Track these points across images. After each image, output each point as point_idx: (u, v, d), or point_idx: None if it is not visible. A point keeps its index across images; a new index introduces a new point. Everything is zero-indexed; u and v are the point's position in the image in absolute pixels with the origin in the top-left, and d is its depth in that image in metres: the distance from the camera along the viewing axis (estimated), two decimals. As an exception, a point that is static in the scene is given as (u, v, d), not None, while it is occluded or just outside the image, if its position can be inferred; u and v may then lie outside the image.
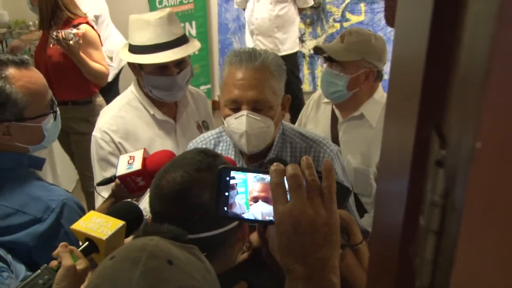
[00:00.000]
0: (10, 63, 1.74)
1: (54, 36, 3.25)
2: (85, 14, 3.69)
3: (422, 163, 0.50)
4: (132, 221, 1.49)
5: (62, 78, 3.54)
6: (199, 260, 0.97)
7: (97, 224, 1.42)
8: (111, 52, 4.27)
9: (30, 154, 1.90)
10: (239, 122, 1.78)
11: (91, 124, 3.47)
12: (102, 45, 3.70)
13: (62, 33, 3.22)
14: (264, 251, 1.60)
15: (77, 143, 3.68)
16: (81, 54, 3.38)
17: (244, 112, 1.77)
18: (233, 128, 1.80)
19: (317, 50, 2.56)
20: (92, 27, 3.60)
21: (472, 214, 0.37)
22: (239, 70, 1.77)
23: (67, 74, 3.52)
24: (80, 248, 1.39)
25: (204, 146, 2.04)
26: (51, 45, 3.45)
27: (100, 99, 3.76)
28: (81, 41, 3.32)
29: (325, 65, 2.55)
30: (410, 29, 0.55)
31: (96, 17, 4.17)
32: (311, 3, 5.10)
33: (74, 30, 3.27)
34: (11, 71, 1.73)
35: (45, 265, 1.35)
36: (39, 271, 1.34)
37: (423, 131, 0.49)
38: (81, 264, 1.32)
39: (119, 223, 1.43)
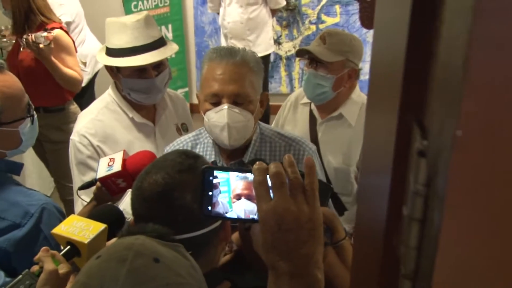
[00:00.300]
0: None
1: (24, 39, 3.18)
2: (59, 19, 3.62)
3: (404, 155, 0.51)
4: (114, 223, 1.49)
5: (33, 84, 3.41)
6: (184, 258, 0.98)
7: (78, 228, 1.41)
8: (84, 57, 4.20)
9: (7, 159, 1.88)
10: (220, 115, 1.79)
11: (64, 132, 3.42)
12: (76, 51, 3.63)
13: (32, 36, 3.15)
14: (245, 250, 1.61)
15: (51, 151, 3.60)
16: (53, 59, 3.29)
17: (225, 105, 1.78)
18: (214, 121, 1.81)
19: (301, 52, 2.56)
20: (67, 32, 3.53)
21: (454, 201, 0.39)
22: (219, 65, 1.79)
23: (39, 80, 3.43)
24: (62, 252, 1.38)
25: (181, 149, 2.04)
26: (21, 49, 3.37)
27: (74, 107, 3.67)
28: (52, 45, 3.24)
29: (306, 68, 2.56)
30: (390, 24, 0.56)
31: (68, 24, 4.10)
32: (283, 3, 5.07)
33: (45, 34, 3.20)
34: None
35: (27, 270, 1.33)
36: (20, 276, 1.32)
37: (404, 124, 0.50)
38: (63, 268, 1.31)
39: (101, 226, 1.42)
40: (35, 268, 1.34)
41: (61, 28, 3.47)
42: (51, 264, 1.31)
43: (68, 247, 1.40)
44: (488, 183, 0.38)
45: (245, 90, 1.79)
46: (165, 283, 0.87)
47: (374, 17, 0.63)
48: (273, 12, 5.13)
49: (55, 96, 3.51)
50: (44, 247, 1.37)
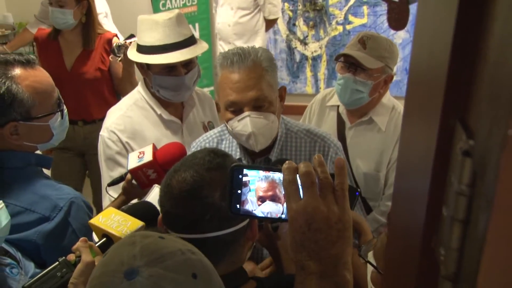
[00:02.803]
0: (17, 63, 1.75)
1: (117, 44, 3.12)
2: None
3: (446, 155, 0.50)
4: (150, 222, 1.49)
5: (97, 95, 3.49)
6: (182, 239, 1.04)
7: (116, 222, 1.42)
8: None
9: (38, 153, 1.90)
10: (243, 124, 1.78)
11: None
12: None
13: (127, 42, 3.07)
14: (271, 250, 1.62)
15: (94, 162, 3.50)
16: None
17: (247, 113, 1.77)
18: (239, 130, 1.80)
19: (341, 57, 2.49)
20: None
21: (503, 202, 0.38)
22: (232, 73, 1.77)
23: (101, 90, 3.48)
24: (97, 244, 1.40)
25: (207, 145, 2.04)
26: (110, 58, 3.35)
27: None
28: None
29: (341, 72, 2.49)
30: (433, 21, 0.56)
31: (101, 14, 4.16)
32: (278, 15, 4.94)
33: (130, 39, 3.13)
34: (17, 71, 1.74)
35: (64, 258, 1.35)
36: (56, 263, 1.34)
37: (447, 124, 0.50)
38: (99, 260, 1.33)
39: (139, 223, 1.43)
40: (71, 257, 1.36)
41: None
42: (89, 255, 1.33)
43: (104, 239, 1.42)
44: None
45: (263, 93, 1.77)
46: (177, 248, 0.92)
47: (416, 14, 0.62)
48: (268, 23, 4.98)
49: (111, 104, 3.45)
50: (82, 238, 1.39)
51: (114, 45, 3.13)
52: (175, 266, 0.89)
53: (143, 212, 1.53)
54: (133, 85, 3.29)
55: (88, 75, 3.45)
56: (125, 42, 3.03)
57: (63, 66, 3.46)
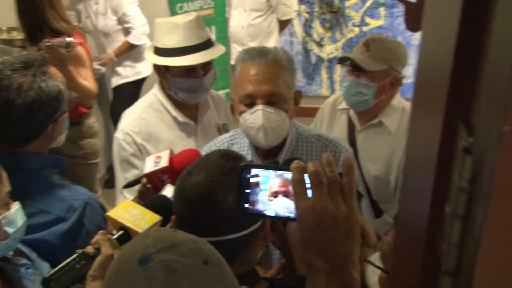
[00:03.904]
0: (45, 62, 1.80)
1: (46, 42, 3.00)
2: (75, 27, 3.49)
3: (449, 153, 0.51)
4: (167, 216, 1.50)
5: None
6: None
7: (134, 216, 1.43)
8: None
9: (53, 155, 1.93)
10: (255, 116, 1.80)
11: (79, 147, 3.37)
12: (92, 62, 3.50)
13: (56, 40, 3.00)
14: (283, 251, 1.62)
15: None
16: (70, 68, 3.10)
17: (259, 106, 1.79)
18: (250, 123, 1.82)
19: (344, 60, 2.51)
20: (80, 43, 3.34)
21: (499, 197, 0.39)
22: (252, 66, 1.80)
23: None
24: (115, 236, 1.41)
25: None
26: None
27: (91, 122, 3.54)
28: (73, 53, 3.11)
29: (347, 75, 2.49)
30: (439, 22, 0.56)
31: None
32: (292, 15, 4.96)
33: (70, 39, 3.05)
34: (50, 68, 1.80)
35: (82, 250, 1.36)
36: (75, 255, 1.35)
37: (450, 122, 0.50)
38: (117, 254, 1.35)
39: (157, 218, 1.44)
40: (89, 249, 1.38)
41: (80, 38, 3.36)
42: (109, 248, 1.35)
43: (122, 232, 1.43)
44: (534, 179, 0.38)
45: (278, 90, 1.79)
46: (190, 239, 0.95)
47: (423, 16, 0.62)
48: (282, 24, 5.00)
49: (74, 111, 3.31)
50: (101, 231, 1.41)
51: (53, 40, 3.04)
52: (187, 252, 0.91)
53: (161, 206, 1.54)
54: (77, 91, 2.83)
55: None
56: (54, 39, 3.01)
57: None
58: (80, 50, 3.33)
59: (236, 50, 4.88)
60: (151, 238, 0.93)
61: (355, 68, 2.43)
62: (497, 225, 0.39)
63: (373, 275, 1.44)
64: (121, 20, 4.60)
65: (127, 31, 4.63)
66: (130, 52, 4.68)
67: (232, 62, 4.99)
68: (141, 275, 0.87)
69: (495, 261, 0.40)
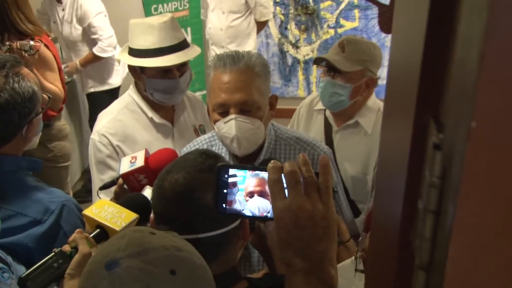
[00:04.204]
0: (17, 63, 1.79)
1: (7, 44, 2.97)
2: (42, 30, 3.43)
3: (420, 151, 0.52)
4: (144, 214, 1.50)
5: None
6: (176, 237, 1.06)
7: (110, 214, 1.44)
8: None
9: (28, 157, 1.91)
10: (228, 126, 1.80)
11: (49, 149, 3.33)
12: (60, 66, 3.46)
13: (17, 43, 2.96)
14: (262, 251, 1.63)
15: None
16: (35, 71, 2.99)
17: (232, 116, 1.78)
18: (224, 133, 1.82)
19: (319, 60, 2.53)
20: (47, 46, 3.34)
21: (468, 191, 0.40)
22: (224, 74, 1.79)
23: None
24: (92, 235, 1.42)
25: None
26: None
27: (61, 123, 3.50)
28: (36, 56, 3.09)
29: (323, 76, 2.52)
30: (408, 24, 0.58)
31: (105, 14, 4.19)
32: (269, 16, 4.97)
33: (32, 42, 3.01)
34: (22, 69, 1.78)
35: (60, 248, 1.37)
36: (52, 253, 1.35)
37: (421, 121, 0.52)
38: (94, 252, 1.35)
39: (133, 215, 1.45)
40: (66, 248, 1.38)
41: (43, 41, 3.29)
42: (86, 246, 1.35)
43: (98, 230, 1.44)
44: (502, 173, 0.39)
45: (251, 97, 1.79)
46: (162, 244, 0.95)
47: (393, 19, 0.64)
48: (260, 25, 5.01)
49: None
50: (78, 229, 1.41)
51: (14, 43, 2.97)
52: (155, 260, 0.92)
53: (138, 204, 1.54)
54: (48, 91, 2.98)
55: None
56: (15, 42, 2.94)
57: None
58: (46, 53, 3.29)
59: (214, 52, 4.88)
60: (126, 239, 0.94)
61: (331, 69, 2.45)
62: (466, 218, 0.41)
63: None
64: (87, 31, 4.49)
65: (93, 42, 4.52)
66: (99, 63, 4.59)
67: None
68: (106, 279, 0.89)
69: (465, 254, 0.41)
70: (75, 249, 1.35)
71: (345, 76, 2.42)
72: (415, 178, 0.53)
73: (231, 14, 4.77)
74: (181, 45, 2.30)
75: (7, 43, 3.01)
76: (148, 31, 2.25)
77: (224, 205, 1.04)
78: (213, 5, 4.85)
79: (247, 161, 1.94)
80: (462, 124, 0.40)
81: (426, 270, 0.48)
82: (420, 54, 0.49)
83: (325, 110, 2.65)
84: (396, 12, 0.66)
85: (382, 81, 3.84)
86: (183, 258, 0.96)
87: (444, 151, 0.45)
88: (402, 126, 0.58)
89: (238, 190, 1.05)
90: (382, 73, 3.34)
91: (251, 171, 1.06)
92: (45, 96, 1.89)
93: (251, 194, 1.04)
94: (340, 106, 2.49)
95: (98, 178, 2.26)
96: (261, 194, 1.03)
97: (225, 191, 1.05)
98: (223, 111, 1.81)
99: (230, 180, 1.05)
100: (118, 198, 1.93)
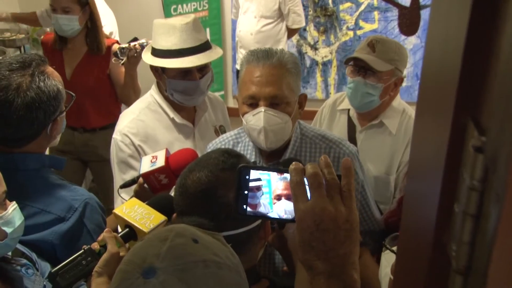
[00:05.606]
0: (43, 62, 1.81)
1: (120, 47, 3.01)
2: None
3: (458, 153, 0.52)
4: (172, 215, 1.51)
5: (96, 103, 3.42)
6: (223, 244, 1.02)
7: (140, 214, 1.45)
8: None
9: (51, 155, 1.94)
10: (257, 118, 1.81)
11: None
12: None
13: (137, 45, 2.96)
14: (282, 252, 1.63)
15: (97, 170, 3.58)
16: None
17: (261, 108, 1.80)
18: (252, 124, 1.83)
19: (351, 60, 2.51)
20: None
21: (513, 195, 0.39)
22: (256, 68, 1.81)
23: (102, 99, 3.42)
24: (120, 234, 1.43)
25: (222, 147, 2.07)
26: (113, 60, 3.18)
27: None
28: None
29: (351, 76, 2.51)
30: (446, 21, 0.57)
31: (110, 34, 4.08)
32: (302, 24, 4.96)
33: (143, 40, 2.99)
34: (47, 68, 1.81)
35: (89, 246, 1.39)
36: (81, 251, 1.38)
37: (459, 122, 0.51)
38: (123, 251, 1.37)
39: (162, 218, 1.46)
40: (95, 245, 1.40)
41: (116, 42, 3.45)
42: (115, 246, 1.36)
43: (127, 229, 1.46)
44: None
45: (282, 92, 1.80)
46: (202, 259, 0.91)
47: (430, 14, 0.63)
48: (290, 32, 5.00)
49: (112, 113, 3.47)
50: (107, 229, 1.43)
51: (117, 48, 3.05)
52: (192, 278, 0.89)
53: (167, 205, 1.55)
54: (136, 92, 3.29)
55: (87, 84, 3.35)
56: (129, 44, 2.97)
57: (63, 75, 3.39)
58: None
59: (242, 55, 4.88)
60: (167, 245, 0.91)
61: (362, 69, 2.45)
62: (511, 222, 0.40)
63: (387, 265, 1.45)
64: None
65: None
66: None
67: (238, 67, 4.98)
68: (140, 286, 0.87)
69: (509, 259, 0.41)
70: (104, 247, 1.37)
71: (377, 75, 2.42)
72: (452, 181, 0.52)
73: (262, 19, 4.78)
74: (203, 47, 2.30)
75: (125, 45, 3.02)
76: (170, 32, 2.26)
77: (244, 206, 1.04)
78: (245, 7, 4.85)
79: (273, 158, 1.94)
80: (508, 127, 0.39)
81: (464, 274, 0.48)
82: (461, 52, 0.49)
83: (348, 110, 2.65)
84: (433, 7, 0.66)
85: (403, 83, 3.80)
86: (222, 278, 0.93)
87: (487, 155, 0.44)
88: (438, 127, 0.57)
89: (263, 194, 1.05)
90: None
91: (276, 173, 1.05)
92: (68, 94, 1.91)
93: (278, 197, 1.04)
94: (370, 106, 2.49)
95: (120, 178, 2.27)
96: (289, 197, 1.03)
97: (245, 192, 1.04)
98: (253, 103, 1.83)
99: (254, 184, 1.05)
100: (138, 197, 1.94)
